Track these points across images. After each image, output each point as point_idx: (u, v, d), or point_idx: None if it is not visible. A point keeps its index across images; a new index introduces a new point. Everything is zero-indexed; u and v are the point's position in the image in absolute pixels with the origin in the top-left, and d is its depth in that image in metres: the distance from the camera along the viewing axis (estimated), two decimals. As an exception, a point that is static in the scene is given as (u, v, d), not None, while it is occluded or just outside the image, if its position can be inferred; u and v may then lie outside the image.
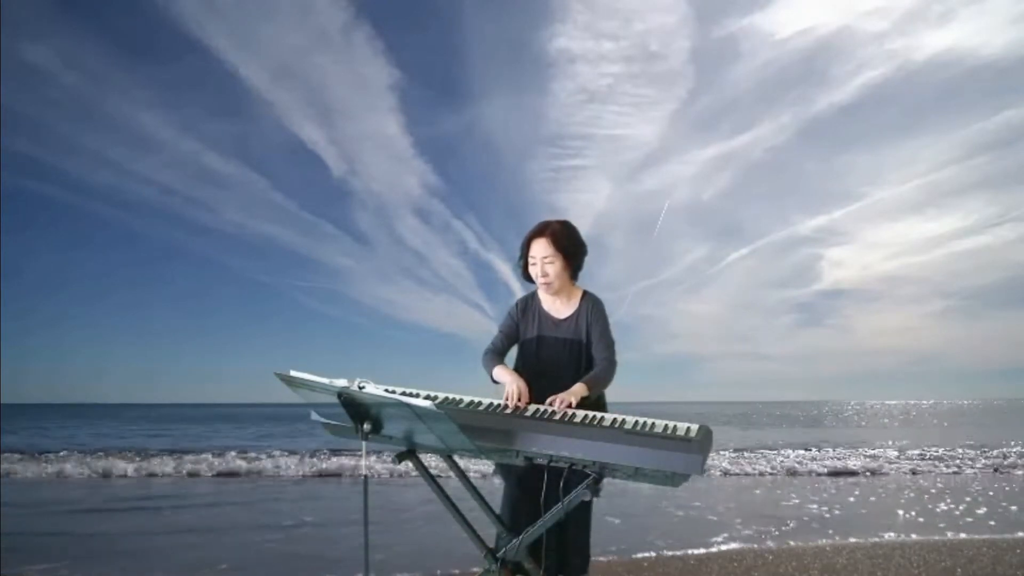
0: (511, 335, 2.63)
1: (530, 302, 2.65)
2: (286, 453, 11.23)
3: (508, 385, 2.36)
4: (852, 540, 4.58)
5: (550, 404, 2.21)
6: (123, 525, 5.50)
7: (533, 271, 2.53)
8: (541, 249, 2.50)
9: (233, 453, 11.24)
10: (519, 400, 2.27)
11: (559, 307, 2.59)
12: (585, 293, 2.61)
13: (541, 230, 2.52)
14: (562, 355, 2.53)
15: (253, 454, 11.10)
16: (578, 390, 2.27)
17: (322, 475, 8.84)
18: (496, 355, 2.58)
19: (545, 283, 2.52)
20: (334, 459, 9.87)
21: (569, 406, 2.19)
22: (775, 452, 11.79)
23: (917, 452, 11.61)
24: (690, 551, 4.20)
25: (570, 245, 2.52)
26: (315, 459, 10.08)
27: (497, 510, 2.49)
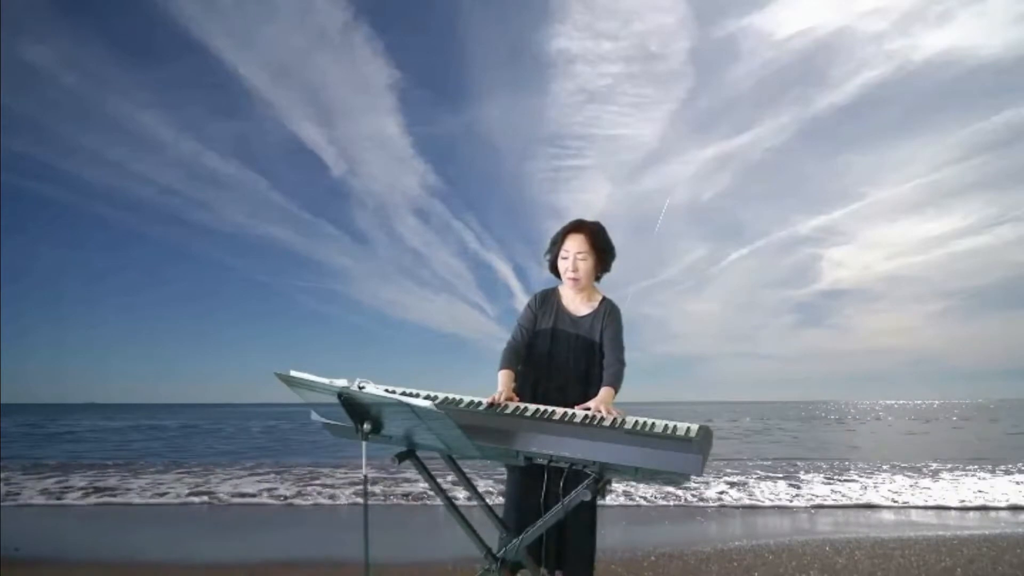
0: (531, 327, 2.64)
1: (550, 295, 2.67)
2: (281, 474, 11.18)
3: (499, 389, 2.38)
4: (852, 540, 4.58)
5: (595, 412, 2.19)
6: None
7: (564, 265, 2.56)
8: (577, 244, 2.52)
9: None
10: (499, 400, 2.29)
11: (578, 305, 2.62)
12: (605, 298, 2.64)
13: (578, 226, 2.55)
14: (574, 351, 2.56)
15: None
16: (607, 396, 2.29)
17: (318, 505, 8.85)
18: (513, 353, 2.58)
19: (574, 278, 2.54)
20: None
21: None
22: (775, 451, 11.79)
23: (917, 452, 11.60)
24: (690, 551, 4.20)
25: (604, 246, 2.57)
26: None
27: (498, 510, 2.49)
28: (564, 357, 2.55)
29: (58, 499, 6.91)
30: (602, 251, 2.56)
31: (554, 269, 2.62)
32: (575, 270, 2.53)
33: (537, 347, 2.61)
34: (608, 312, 2.58)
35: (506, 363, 2.52)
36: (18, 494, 7.13)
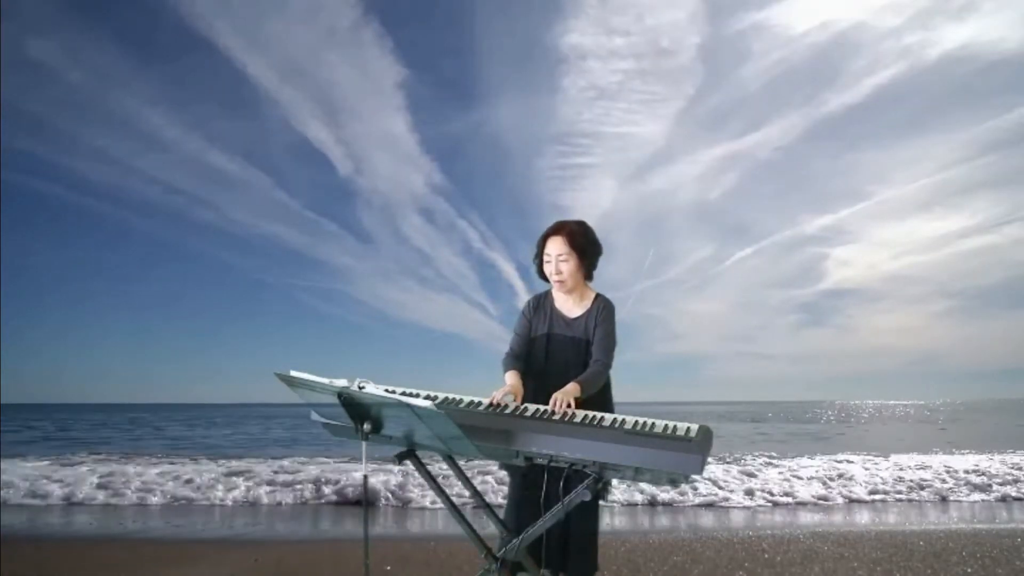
0: (525, 335, 2.68)
1: (543, 300, 2.71)
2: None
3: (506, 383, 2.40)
4: (853, 538, 4.58)
5: (554, 402, 2.22)
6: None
7: (548, 269, 2.59)
8: (556, 247, 2.56)
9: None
10: (502, 398, 2.31)
11: (571, 306, 2.64)
12: (598, 295, 2.65)
13: (557, 229, 2.59)
14: (570, 354, 2.58)
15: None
16: (572, 389, 2.28)
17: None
18: (513, 359, 2.62)
19: (559, 280, 2.57)
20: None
21: (568, 406, 2.19)
22: (776, 451, 11.80)
23: (918, 451, 11.59)
24: (688, 547, 4.20)
25: (585, 244, 2.58)
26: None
27: (499, 510, 2.49)
28: (561, 361, 2.57)
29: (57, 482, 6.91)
30: (583, 250, 2.57)
31: (542, 274, 2.65)
32: (558, 272, 2.56)
33: (534, 353, 2.64)
34: (601, 310, 2.60)
35: (510, 367, 2.56)
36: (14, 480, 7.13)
